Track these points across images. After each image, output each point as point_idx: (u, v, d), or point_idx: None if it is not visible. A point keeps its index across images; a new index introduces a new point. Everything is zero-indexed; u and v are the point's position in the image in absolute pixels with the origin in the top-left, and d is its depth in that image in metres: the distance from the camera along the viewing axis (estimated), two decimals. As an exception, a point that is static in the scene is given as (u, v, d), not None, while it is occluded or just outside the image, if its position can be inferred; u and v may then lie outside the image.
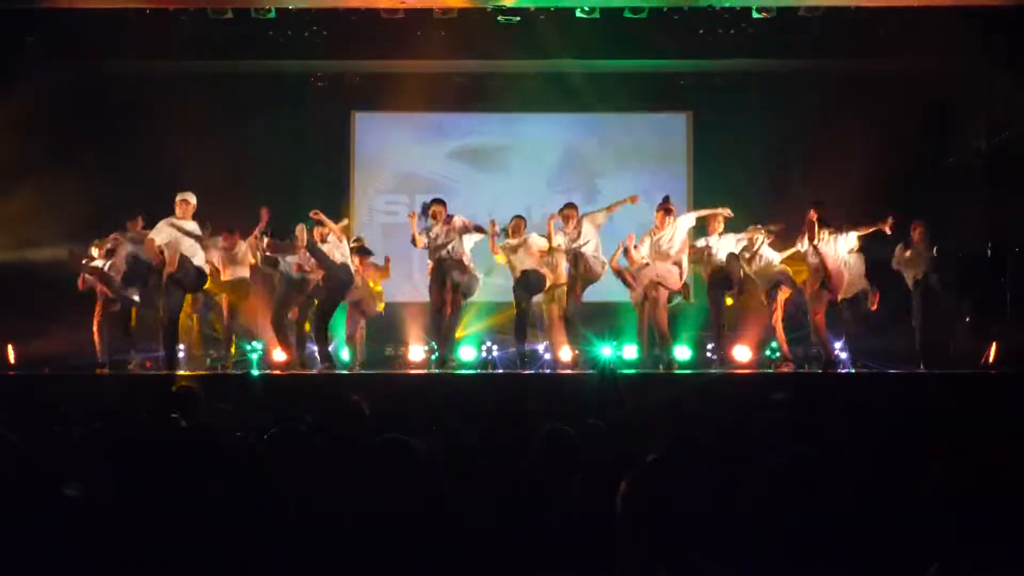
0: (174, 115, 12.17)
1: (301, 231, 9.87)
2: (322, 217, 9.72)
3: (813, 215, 9.51)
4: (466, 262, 9.87)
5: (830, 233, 9.52)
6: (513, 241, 10.16)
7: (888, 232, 9.62)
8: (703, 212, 10.21)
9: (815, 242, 9.50)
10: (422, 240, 9.91)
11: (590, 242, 9.86)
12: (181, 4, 11.11)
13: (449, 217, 9.89)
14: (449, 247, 9.77)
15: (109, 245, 10.27)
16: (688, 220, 10.01)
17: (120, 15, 11.02)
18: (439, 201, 10.00)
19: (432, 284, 9.91)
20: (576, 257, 9.86)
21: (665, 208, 9.90)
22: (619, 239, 10.15)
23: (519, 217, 10.41)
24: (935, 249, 10.17)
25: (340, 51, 12.02)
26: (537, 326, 10.84)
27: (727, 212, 10.00)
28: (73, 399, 5.88)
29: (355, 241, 10.84)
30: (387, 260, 11.16)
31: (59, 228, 11.79)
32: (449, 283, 9.79)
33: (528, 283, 10.03)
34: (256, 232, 10.17)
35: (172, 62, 11.95)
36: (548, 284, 10.24)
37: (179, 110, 12.24)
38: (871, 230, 9.63)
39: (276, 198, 12.72)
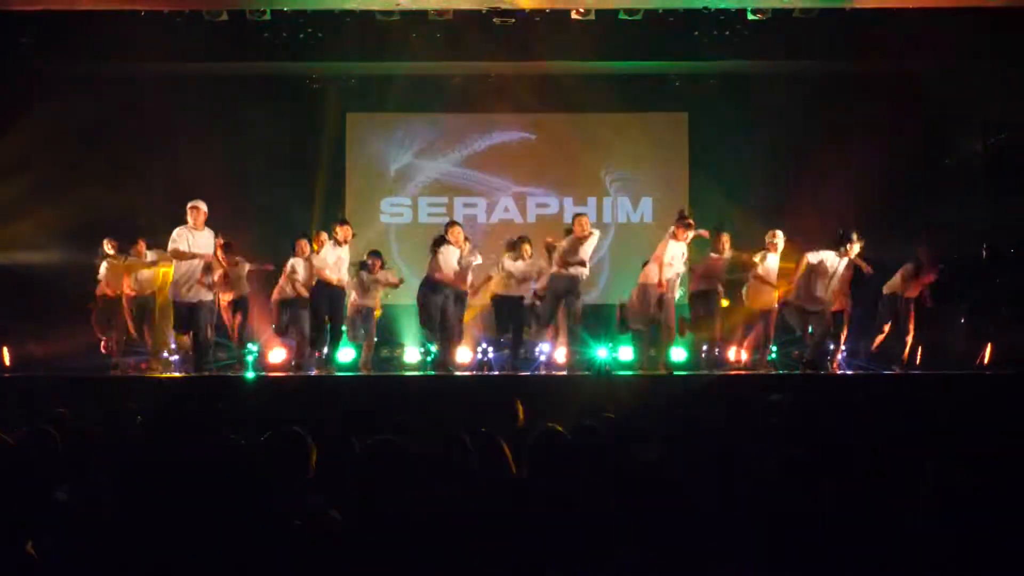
0: (169, 117, 12.17)
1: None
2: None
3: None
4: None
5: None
6: (519, 265, 10.29)
7: None
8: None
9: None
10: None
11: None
12: (176, 6, 11.07)
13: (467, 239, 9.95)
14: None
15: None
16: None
17: (115, 17, 10.98)
18: (454, 223, 9.99)
19: (426, 306, 9.72)
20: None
21: (685, 223, 9.87)
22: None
23: (524, 240, 10.62)
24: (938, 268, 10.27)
25: (335, 53, 12.00)
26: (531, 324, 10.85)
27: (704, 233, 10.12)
28: (70, 400, 5.86)
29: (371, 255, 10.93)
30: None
31: (55, 229, 11.78)
32: (448, 309, 9.72)
33: (507, 310, 10.17)
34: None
35: (167, 64, 11.90)
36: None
37: (174, 112, 12.23)
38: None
39: (271, 199, 12.80)
